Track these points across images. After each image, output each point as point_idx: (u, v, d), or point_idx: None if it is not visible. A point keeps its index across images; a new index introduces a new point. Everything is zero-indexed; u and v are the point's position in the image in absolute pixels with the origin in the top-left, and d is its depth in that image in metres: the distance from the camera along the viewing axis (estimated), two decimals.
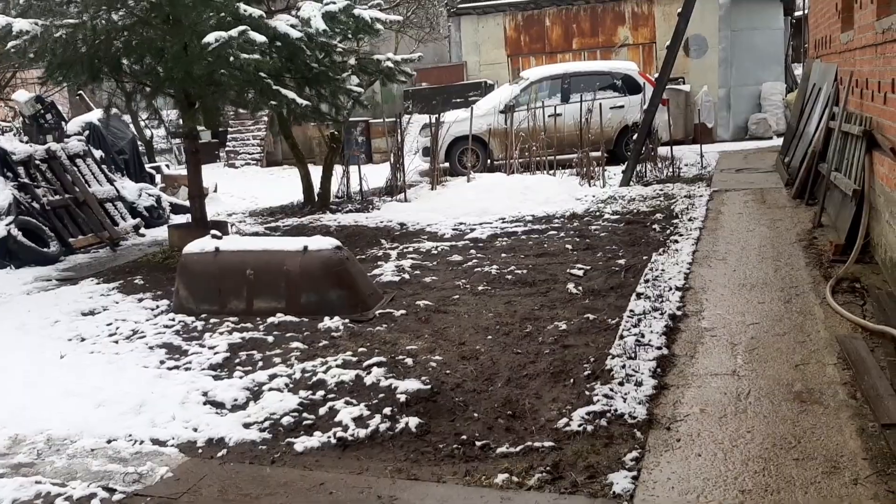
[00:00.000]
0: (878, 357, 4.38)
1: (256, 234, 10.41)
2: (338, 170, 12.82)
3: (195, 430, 4.15)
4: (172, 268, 7.43)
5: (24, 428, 4.31)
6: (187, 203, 12.58)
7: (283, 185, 15.57)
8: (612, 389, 4.17)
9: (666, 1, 17.99)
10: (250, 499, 3.49)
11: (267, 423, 4.16)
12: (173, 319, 6.20)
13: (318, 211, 11.88)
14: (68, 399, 4.60)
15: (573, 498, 3.29)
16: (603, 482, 3.36)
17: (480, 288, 6.74)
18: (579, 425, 3.85)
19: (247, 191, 15.74)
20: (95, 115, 12.54)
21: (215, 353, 5.33)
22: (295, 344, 5.43)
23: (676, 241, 7.73)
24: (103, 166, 11.13)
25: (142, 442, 4.08)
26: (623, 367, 4.47)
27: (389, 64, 8.93)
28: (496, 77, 19.32)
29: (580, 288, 6.45)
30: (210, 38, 6.87)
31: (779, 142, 14.96)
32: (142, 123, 24.05)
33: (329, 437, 3.94)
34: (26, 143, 10.54)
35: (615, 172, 12.93)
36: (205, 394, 4.57)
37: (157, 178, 13.56)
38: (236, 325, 5.94)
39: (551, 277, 6.94)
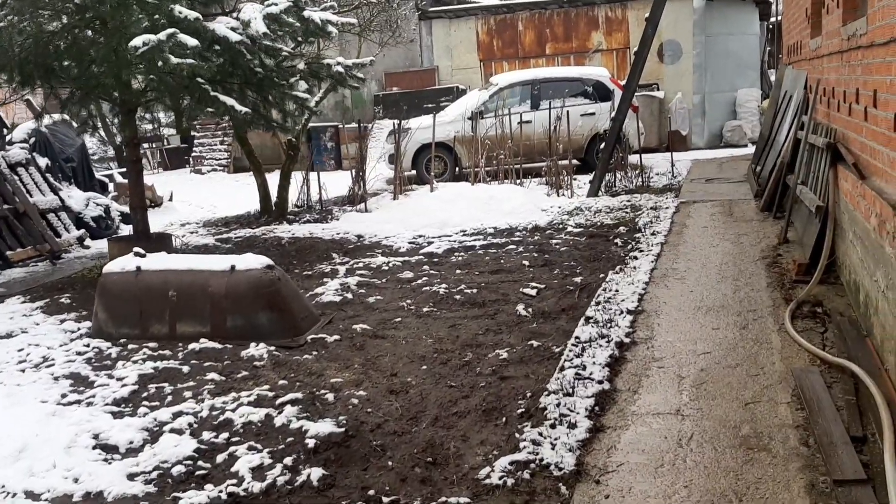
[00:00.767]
0: (836, 395, 4.00)
1: (206, 246, 9.96)
2: (299, 177, 12.42)
3: (76, 480, 3.70)
4: None
5: None
6: None
7: (247, 193, 15.07)
8: (541, 434, 3.76)
9: (640, 6, 17.65)
10: None
11: (155, 474, 3.71)
12: (88, 345, 5.74)
13: (274, 221, 11.44)
14: None
15: None
16: None
17: (426, 309, 6.33)
18: (500, 477, 3.44)
19: (208, 198, 15.26)
20: (45, 122, 12.04)
21: (123, 386, 4.89)
22: (211, 375, 4.99)
23: (636, 258, 7.35)
24: (48, 175, 10.63)
25: (14, 495, 3.63)
26: (558, 405, 4.06)
27: (340, 69, 8.50)
28: (469, 82, 18.95)
29: (530, 310, 6.05)
30: (137, 41, 6.42)
31: (753, 150, 14.65)
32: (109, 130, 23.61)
33: (220, 491, 3.50)
34: None
35: (585, 181, 12.59)
36: (96, 436, 4.12)
37: (110, 186, 13.05)
38: (153, 353, 5.50)
39: (502, 297, 6.54)
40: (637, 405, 4.11)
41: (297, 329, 5.83)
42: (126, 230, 11.49)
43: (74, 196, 10.99)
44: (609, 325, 5.34)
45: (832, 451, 3.39)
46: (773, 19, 21.26)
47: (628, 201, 10.99)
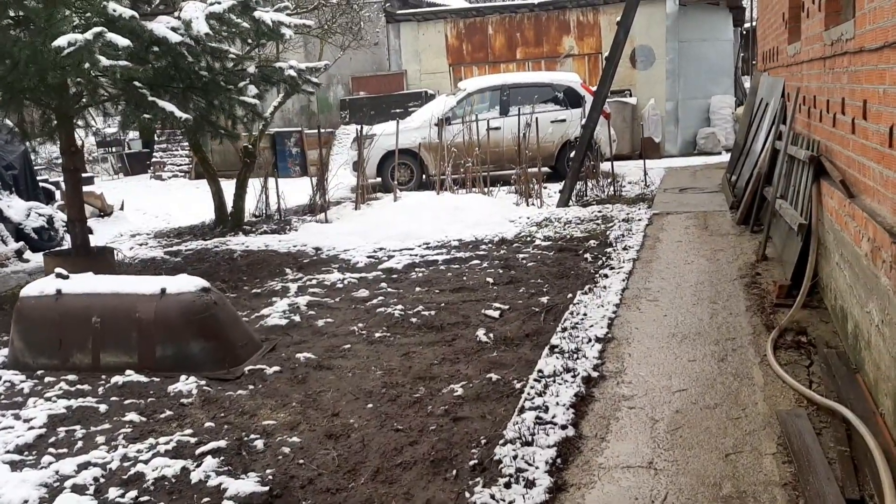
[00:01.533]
0: (826, 443, 3.55)
1: (154, 259, 9.38)
2: (260, 184, 11.86)
3: None
4: None
5: None
6: (88, 223, 11.50)
7: (205, 201, 14.42)
8: (493, 497, 3.27)
9: (612, 10, 17.29)
10: None
11: None
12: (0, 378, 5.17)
13: (229, 232, 10.87)
14: None
15: None
16: None
17: (378, 334, 5.81)
18: None
19: (164, 206, 14.67)
20: None
21: (29, 429, 4.32)
22: (130, 416, 4.44)
23: (606, 276, 6.90)
24: None
25: None
26: (515, 457, 3.57)
27: (292, 72, 7.97)
28: (438, 87, 18.48)
29: (491, 335, 5.56)
30: (62, 41, 5.85)
31: (727, 157, 14.30)
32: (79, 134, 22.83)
33: None
34: None
35: (556, 190, 12.14)
36: None
37: (57, 194, 12.38)
38: (71, 387, 4.93)
39: (462, 320, 6.05)
40: (605, 455, 3.63)
41: (234, 359, 5.30)
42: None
43: (14, 205, 10.34)
44: (576, 355, 4.86)
45: None
46: (747, 25, 21.04)
47: (599, 212, 10.56)
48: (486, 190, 12.16)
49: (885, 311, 3.57)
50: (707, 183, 12.34)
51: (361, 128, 12.01)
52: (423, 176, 13.99)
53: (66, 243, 10.52)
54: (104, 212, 12.21)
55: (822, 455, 3.39)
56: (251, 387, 4.87)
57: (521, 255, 8.21)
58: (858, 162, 4.60)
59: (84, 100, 6.97)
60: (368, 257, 8.66)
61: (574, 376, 4.50)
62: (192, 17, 6.77)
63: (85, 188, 13.25)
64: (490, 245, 8.93)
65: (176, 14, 7.05)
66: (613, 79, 11.40)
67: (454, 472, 3.60)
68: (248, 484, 3.49)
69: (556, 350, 4.99)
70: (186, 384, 4.85)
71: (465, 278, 7.43)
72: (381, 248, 9.11)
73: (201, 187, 18.22)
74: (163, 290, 5.29)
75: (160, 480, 3.65)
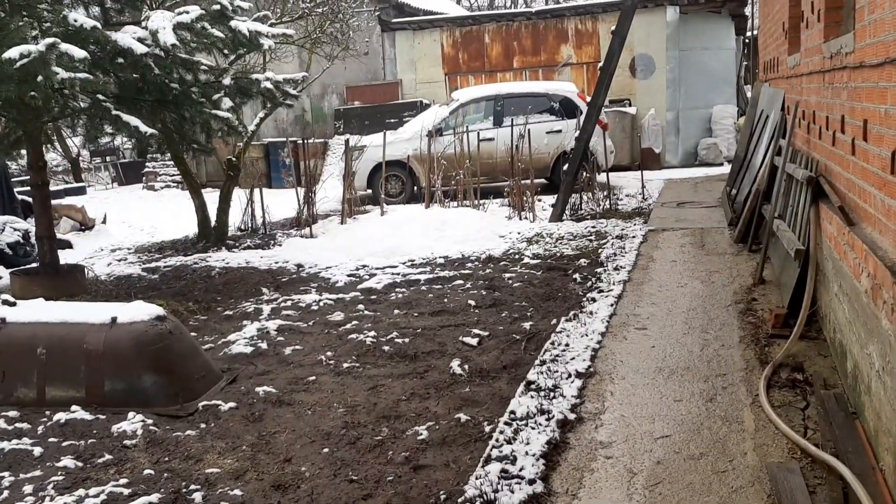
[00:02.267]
0: (821, 502, 3.18)
1: (130, 276, 9.05)
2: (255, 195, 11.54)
3: None
4: None
5: None
6: (67, 237, 11.21)
7: (193, 213, 14.20)
8: None
9: (611, 18, 16.89)
10: None
11: None
12: None
13: (212, 247, 10.53)
14: None
15: None
16: None
17: (347, 364, 5.46)
18: None
19: (151, 219, 14.33)
20: None
21: None
22: (65, 461, 4.08)
23: (594, 300, 6.53)
24: None
25: None
26: None
27: (269, 84, 7.64)
28: (433, 96, 18.14)
29: (466, 367, 5.20)
30: (13, 52, 5.53)
31: (729, 169, 13.91)
32: (71, 142, 22.54)
33: None
34: None
35: (550, 203, 11.78)
36: None
37: None
38: (9, 426, 4.58)
39: (438, 349, 5.69)
40: None
41: (189, 393, 4.94)
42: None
43: None
44: (553, 394, 4.49)
45: None
46: (749, 34, 20.67)
47: (593, 227, 10.20)
48: (477, 203, 11.81)
49: (886, 358, 3.20)
50: (707, 196, 11.97)
51: (348, 139, 11.65)
52: (415, 188, 13.65)
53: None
54: (85, 225, 11.89)
55: None
56: (203, 425, 4.52)
57: (508, 275, 7.85)
58: (859, 186, 4.24)
59: (50, 113, 6.63)
60: (349, 276, 8.31)
61: (549, 419, 4.13)
62: (158, 27, 6.45)
63: (66, 200, 13.02)
64: (476, 263, 8.58)
65: (143, 24, 6.72)
66: (609, 88, 11.05)
67: None
68: None
69: (533, 387, 4.62)
70: (133, 423, 4.49)
71: (446, 300, 7.08)
72: (363, 266, 8.77)
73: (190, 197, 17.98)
74: (113, 320, 4.95)
75: None
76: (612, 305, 6.29)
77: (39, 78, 5.57)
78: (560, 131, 13.54)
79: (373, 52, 18.69)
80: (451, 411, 4.49)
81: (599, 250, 8.57)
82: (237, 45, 7.67)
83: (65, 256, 10.55)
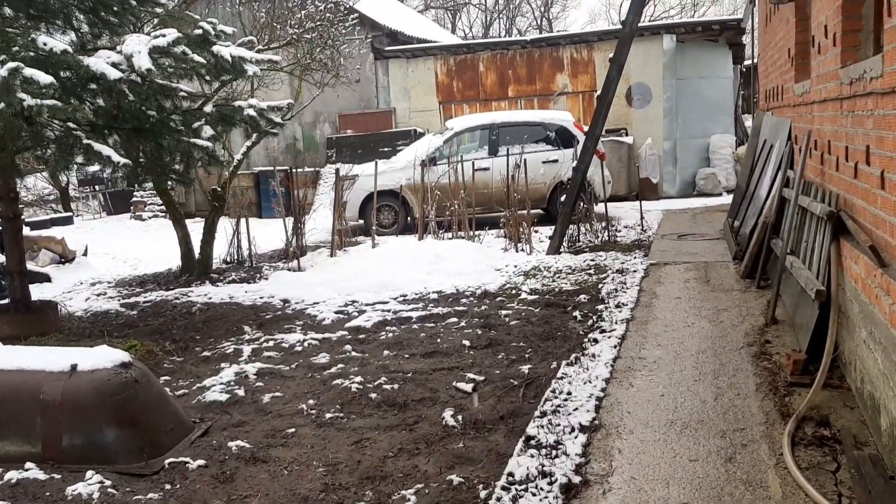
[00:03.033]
0: None
1: (107, 313, 8.63)
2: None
3: None
4: None
5: None
6: (46, 270, 10.80)
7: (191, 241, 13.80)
8: None
9: (607, 46, 16.70)
10: None
11: None
12: None
13: (196, 280, 10.12)
14: None
15: None
16: None
17: (329, 415, 5.02)
18: None
19: (135, 250, 13.94)
20: None
21: None
22: None
23: (596, 341, 6.12)
24: None
25: None
26: None
27: (252, 112, 7.28)
28: (427, 125, 17.85)
29: (460, 417, 4.78)
30: None
31: (729, 199, 13.57)
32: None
33: None
34: None
35: (547, 235, 11.40)
36: None
37: None
38: None
39: (430, 395, 5.27)
40: None
41: (155, 448, 4.50)
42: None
43: None
44: (555, 451, 4.07)
45: None
46: (747, 62, 20.49)
47: (592, 260, 9.81)
48: (472, 234, 11.43)
49: None
50: (708, 228, 11.61)
51: (338, 169, 11.29)
52: (409, 218, 13.28)
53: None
54: (65, 257, 11.47)
55: None
56: (167, 486, 4.08)
57: (504, 312, 7.45)
58: (889, 222, 3.86)
59: (16, 143, 6.24)
60: (337, 312, 7.89)
61: (551, 483, 3.70)
62: (133, 52, 6.08)
63: (45, 232, 12.59)
64: (471, 298, 8.17)
65: (119, 49, 6.36)
66: (607, 117, 10.74)
67: None
68: None
69: (533, 443, 4.19)
70: (90, 485, 4.05)
71: (439, 340, 6.67)
72: (352, 301, 8.36)
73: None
74: (73, 367, 4.52)
75: None
76: (615, 347, 5.88)
77: (1, 105, 5.18)
78: (557, 161, 13.22)
79: (366, 81, 18.42)
80: (442, 471, 4.06)
81: (600, 285, 8.18)
82: (220, 72, 7.32)
83: (42, 290, 10.15)
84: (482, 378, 5.55)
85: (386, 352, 6.44)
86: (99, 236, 16.64)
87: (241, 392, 5.53)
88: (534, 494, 3.60)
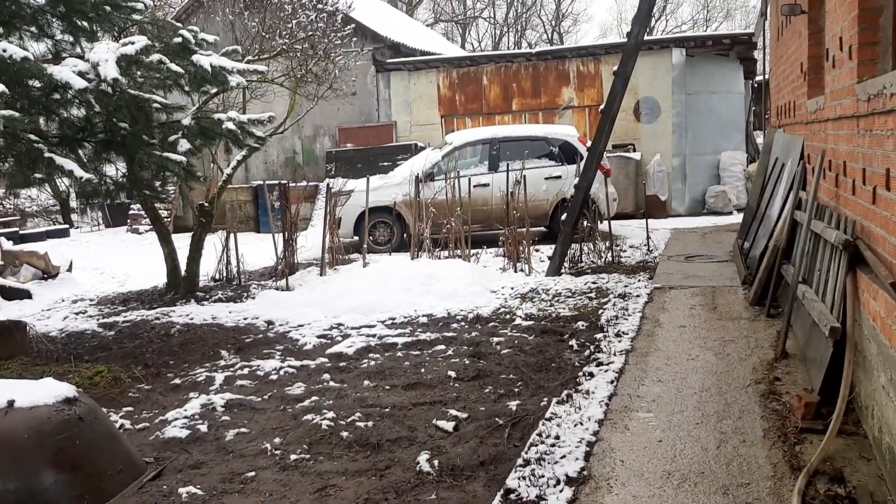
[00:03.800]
0: None
1: (83, 333, 8.26)
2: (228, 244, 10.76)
3: None
4: None
5: None
6: (27, 286, 10.45)
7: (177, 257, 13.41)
8: None
9: (614, 60, 16.26)
10: None
11: None
12: None
13: (181, 299, 9.74)
14: None
15: None
16: None
17: (295, 456, 4.60)
18: None
19: (126, 264, 13.59)
20: None
21: None
22: None
23: (592, 375, 5.68)
24: None
25: None
26: None
27: (231, 125, 6.89)
28: (429, 139, 17.48)
29: (437, 462, 4.34)
30: None
31: (739, 218, 13.10)
32: (60, 183, 21.89)
33: None
34: None
35: (548, 253, 10.96)
36: None
37: None
38: None
39: (407, 434, 4.84)
40: None
41: (98, 494, 4.09)
42: (5, 307, 9.78)
43: None
44: None
45: None
46: (759, 78, 20.05)
47: (594, 283, 9.36)
48: (468, 253, 11.00)
49: None
50: (717, 249, 11.15)
51: (329, 184, 10.90)
52: (404, 235, 12.87)
53: (0, 308, 9.43)
54: (48, 273, 11.12)
55: None
56: None
57: (496, 339, 7.01)
58: None
59: None
60: (320, 337, 7.48)
61: None
62: (99, 60, 5.71)
63: (28, 247, 12.25)
64: (462, 324, 7.74)
65: (86, 57, 5.99)
66: (612, 132, 10.32)
67: None
68: None
69: (513, 497, 3.76)
70: None
71: (423, 370, 6.23)
72: (338, 325, 7.94)
73: (176, 242, 17.23)
74: (10, 403, 4.12)
75: None
76: (611, 383, 5.44)
77: None
78: (559, 177, 12.80)
79: (367, 94, 18.08)
80: None
81: (600, 311, 7.73)
82: (200, 82, 6.95)
83: (21, 308, 9.80)
84: (465, 415, 5.12)
85: (366, 382, 6.02)
86: (92, 249, 16.33)
87: (203, 427, 5.11)
88: None
